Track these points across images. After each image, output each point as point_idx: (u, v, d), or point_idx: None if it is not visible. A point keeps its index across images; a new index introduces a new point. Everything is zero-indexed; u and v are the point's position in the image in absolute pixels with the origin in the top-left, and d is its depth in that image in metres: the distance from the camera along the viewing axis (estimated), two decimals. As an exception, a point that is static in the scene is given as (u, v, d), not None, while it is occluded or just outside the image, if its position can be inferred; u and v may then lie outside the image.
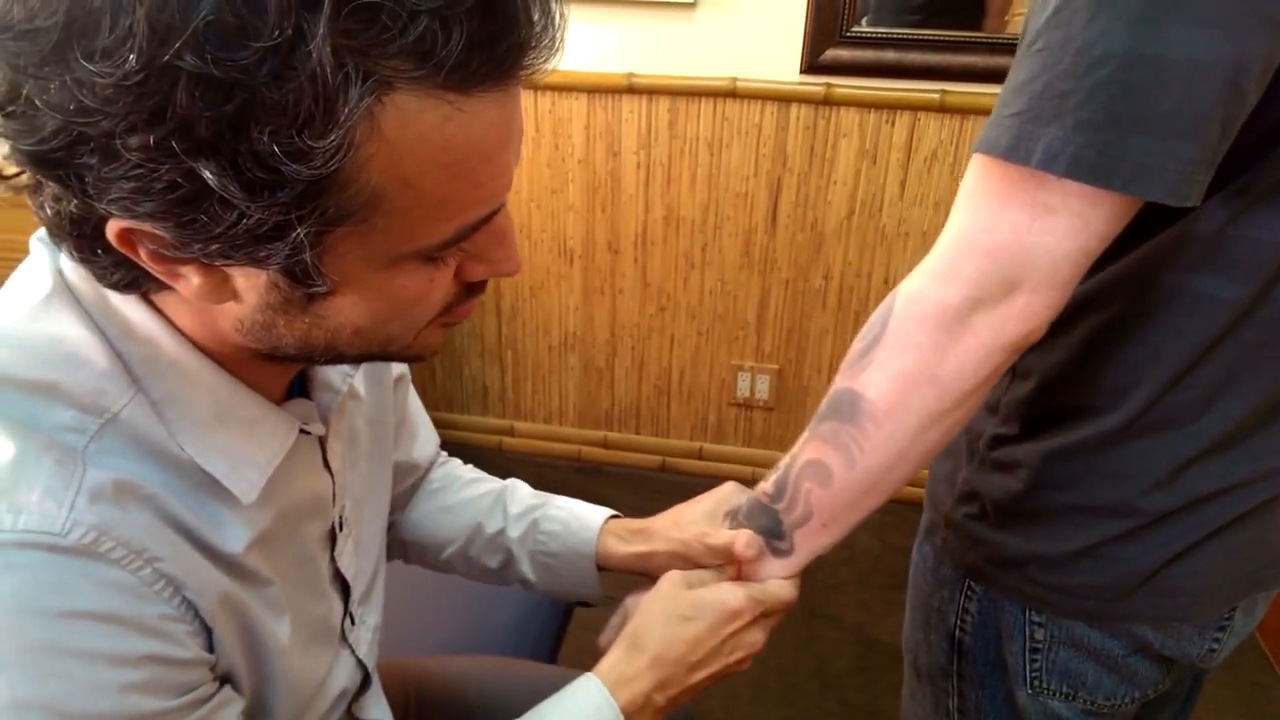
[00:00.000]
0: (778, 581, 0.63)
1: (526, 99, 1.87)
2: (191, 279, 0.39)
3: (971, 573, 0.69)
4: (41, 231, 0.45)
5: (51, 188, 0.37)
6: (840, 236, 1.89)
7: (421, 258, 0.41)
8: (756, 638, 0.61)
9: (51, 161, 0.34)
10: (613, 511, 0.76)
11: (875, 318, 0.55)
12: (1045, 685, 0.67)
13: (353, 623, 0.63)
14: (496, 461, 2.21)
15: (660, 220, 1.95)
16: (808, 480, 0.59)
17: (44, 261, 0.45)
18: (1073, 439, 0.60)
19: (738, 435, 2.15)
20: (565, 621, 1.11)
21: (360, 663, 0.65)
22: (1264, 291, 0.53)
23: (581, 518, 0.76)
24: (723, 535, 0.65)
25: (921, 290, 0.52)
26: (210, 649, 0.46)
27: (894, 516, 2.05)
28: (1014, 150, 0.48)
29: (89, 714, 0.39)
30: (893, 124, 1.77)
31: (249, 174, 0.32)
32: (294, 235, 0.35)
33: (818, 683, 1.62)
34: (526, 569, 0.76)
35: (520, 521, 0.77)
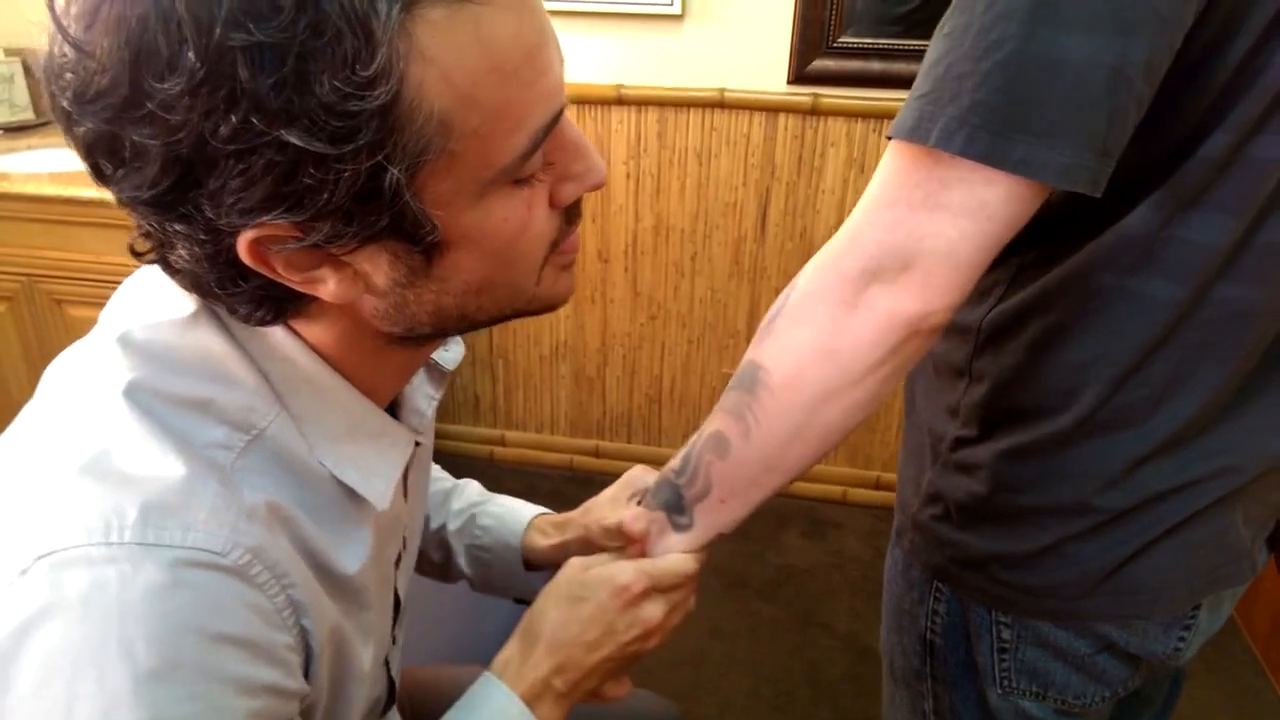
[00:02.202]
0: (673, 555, 0.61)
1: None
2: (328, 281, 0.41)
3: (939, 574, 0.70)
4: None
5: (180, 233, 0.39)
6: (829, 245, 1.90)
7: (509, 181, 0.42)
8: (653, 612, 0.59)
9: (169, 202, 0.37)
10: (543, 509, 0.78)
11: (784, 292, 0.56)
12: (1015, 685, 0.67)
13: (394, 643, 0.64)
14: (488, 471, 2.20)
15: (650, 229, 1.96)
16: (709, 453, 0.58)
17: None
18: (1027, 439, 0.61)
19: (729, 443, 2.15)
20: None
21: (391, 681, 0.65)
22: (1201, 292, 0.54)
23: (514, 512, 0.78)
24: (615, 516, 0.66)
25: (823, 264, 0.53)
26: (308, 676, 0.46)
27: (886, 524, 2.06)
28: (915, 130, 0.48)
29: None
30: (880, 133, 1.78)
31: (328, 125, 0.34)
32: (390, 179, 0.36)
33: (810, 690, 1.62)
34: (463, 563, 0.78)
35: (460, 517, 0.79)
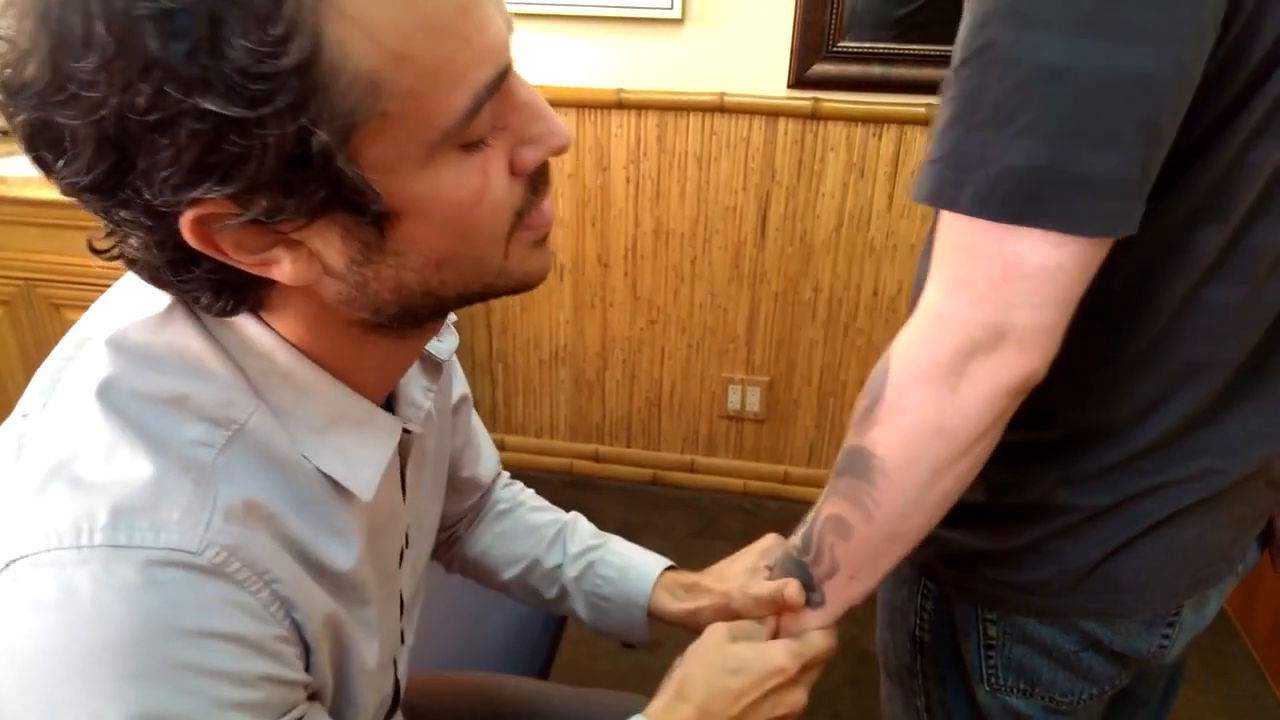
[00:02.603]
0: (817, 632, 0.63)
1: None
2: (282, 263, 0.40)
3: (926, 571, 0.70)
4: None
5: (126, 220, 0.39)
6: (829, 249, 1.90)
7: (458, 145, 0.40)
8: (799, 697, 0.62)
9: (107, 188, 0.37)
10: (668, 563, 0.78)
11: (875, 376, 0.55)
12: (1002, 682, 0.68)
13: (402, 641, 0.64)
14: (487, 476, 2.20)
15: (650, 234, 1.96)
16: (830, 534, 0.60)
17: None
18: (1011, 441, 0.61)
19: (729, 448, 2.15)
20: (557, 637, 1.11)
21: (396, 681, 0.65)
22: (1190, 296, 0.54)
23: (638, 567, 0.77)
24: (766, 585, 0.66)
25: (912, 349, 0.53)
26: (308, 668, 0.47)
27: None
28: (939, 196, 0.49)
29: None
30: (880, 137, 1.79)
31: (244, 89, 0.34)
32: (318, 143, 0.36)
33: (810, 695, 1.61)
34: (580, 607, 0.78)
35: (577, 562, 0.78)
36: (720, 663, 0.61)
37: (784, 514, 2.08)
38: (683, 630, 0.73)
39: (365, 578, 0.51)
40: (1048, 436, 0.60)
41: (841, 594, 0.62)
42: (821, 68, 1.74)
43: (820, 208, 1.87)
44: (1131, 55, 0.43)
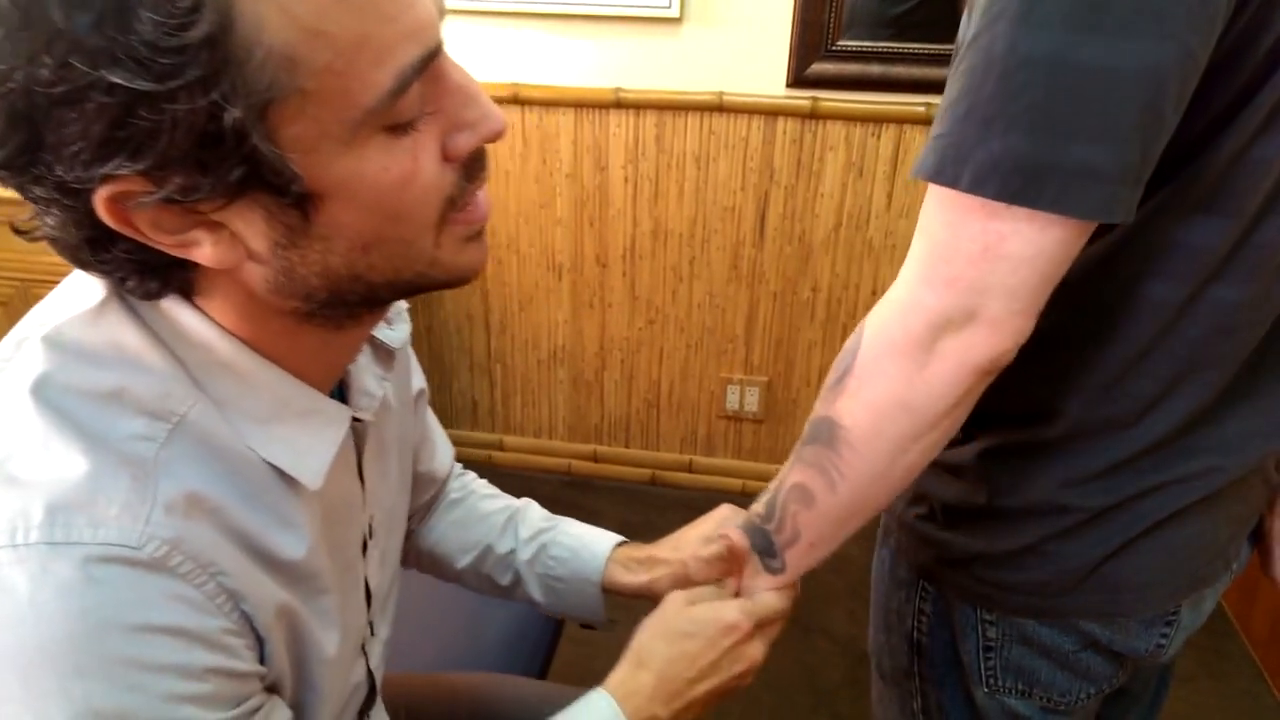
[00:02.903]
0: (770, 593, 0.65)
1: (513, 114, 1.88)
2: (203, 244, 0.40)
3: (924, 573, 0.70)
4: None
5: (41, 197, 0.38)
6: (828, 249, 1.90)
7: (386, 130, 0.40)
8: (756, 650, 0.63)
9: (20, 164, 0.36)
10: (620, 539, 0.78)
11: (847, 347, 0.56)
12: (1000, 683, 0.68)
13: (371, 633, 0.64)
14: (486, 475, 2.18)
15: (648, 234, 1.96)
16: (794, 503, 0.61)
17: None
18: (1011, 442, 0.62)
19: (727, 448, 2.15)
20: (556, 637, 1.11)
21: (370, 673, 0.65)
22: (1195, 295, 0.54)
23: (590, 545, 0.77)
24: (714, 546, 0.68)
25: (887, 322, 0.53)
26: (262, 660, 0.47)
27: (884, 528, 2.06)
28: (940, 173, 0.49)
29: None
30: (879, 137, 1.78)
31: (152, 63, 0.33)
32: (230, 121, 0.35)
33: (809, 696, 1.61)
34: (534, 590, 0.78)
35: (530, 545, 0.78)
36: (676, 627, 0.62)
37: (783, 514, 2.08)
38: (642, 607, 0.72)
39: (320, 567, 0.51)
40: (1050, 434, 0.60)
41: (801, 561, 0.63)
42: (820, 67, 1.74)
43: (819, 207, 1.87)
44: (1137, 42, 0.43)
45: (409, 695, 0.85)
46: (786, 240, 1.91)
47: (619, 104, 1.84)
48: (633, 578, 0.74)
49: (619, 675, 0.62)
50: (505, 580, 0.79)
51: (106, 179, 0.36)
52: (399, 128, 0.40)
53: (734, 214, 1.91)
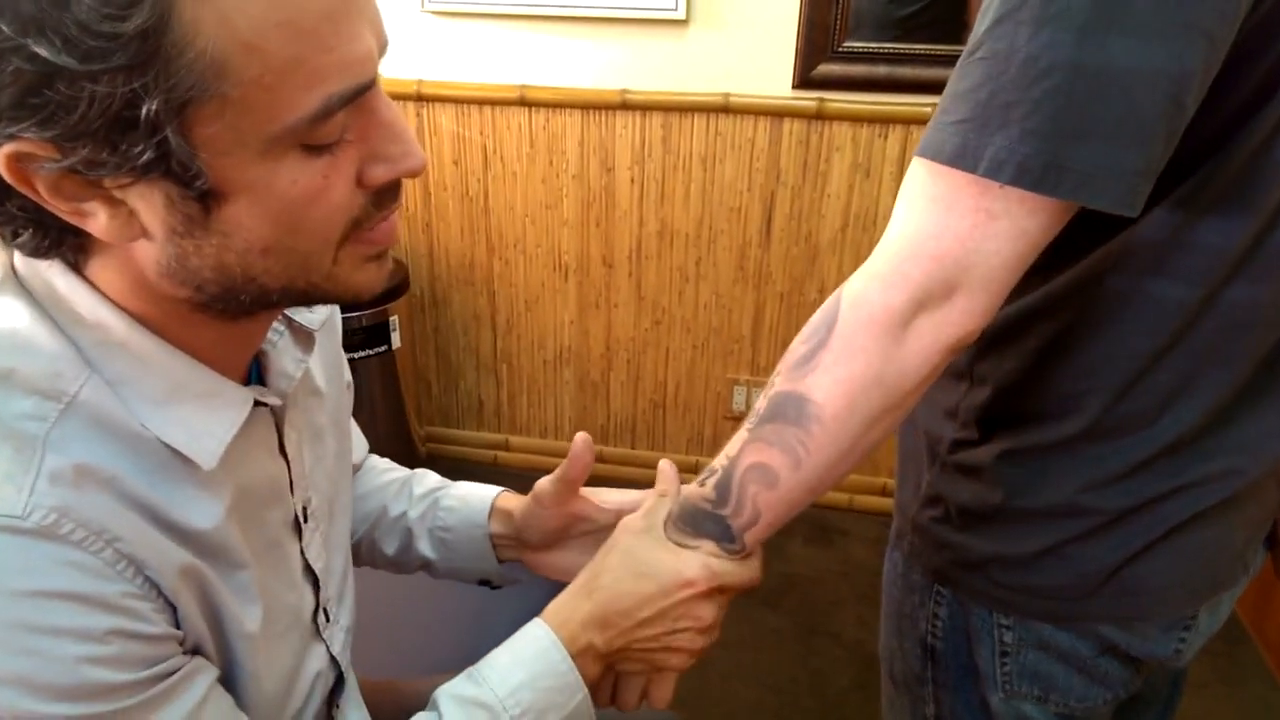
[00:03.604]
0: (735, 562, 0.63)
1: (520, 115, 1.88)
2: (98, 215, 0.40)
3: (939, 577, 0.69)
4: None
5: None
6: (835, 250, 1.89)
7: (303, 148, 0.41)
8: (707, 611, 0.61)
9: None
10: (504, 489, 0.80)
11: (819, 320, 0.55)
12: (1017, 688, 0.67)
13: (327, 619, 0.64)
14: (492, 476, 2.18)
15: (655, 235, 1.96)
16: (754, 484, 0.58)
17: None
18: (1030, 443, 0.61)
19: (734, 450, 2.14)
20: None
21: (334, 660, 0.65)
22: (1212, 295, 0.54)
23: (478, 492, 0.79)
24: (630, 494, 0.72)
25: (867, 293, 0.53)
26: (177, 625, 0.47)
27: (892, 530, 2.05)
28: (960, 157, 0.48)
29: (59, 686, 0.40)
30: (885, 138, 1.78)
31: (80, 43, 0.34)
32: (148, 111, 0.36)
33: (816, 700, 1.60)
34: (425, 547, 0.79)
35: (422, 502, 0.80)
36: (633, 566, 0.61)
37: (789, 516, 2.07)
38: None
39: (231, 541, 0.50)
40: (1071, 432, 0.59)
41: (760, 538, 0.62)
42: (826, 68, 1.74)
43: (825, 208, 1.86)
44: (1161, 41, 0.43)
45: (409, 700, 0.84)
46: (793, 241, 1.90)
47: (625, 105, 1.84)
48: (515, 501, 0.76)
49: (560, 600, 0.61)
50: (393, 548, 0.80)
51: (11, 138, 0.36)
52: (316, 148, 0.41)
53: (740, 215, 1.90)
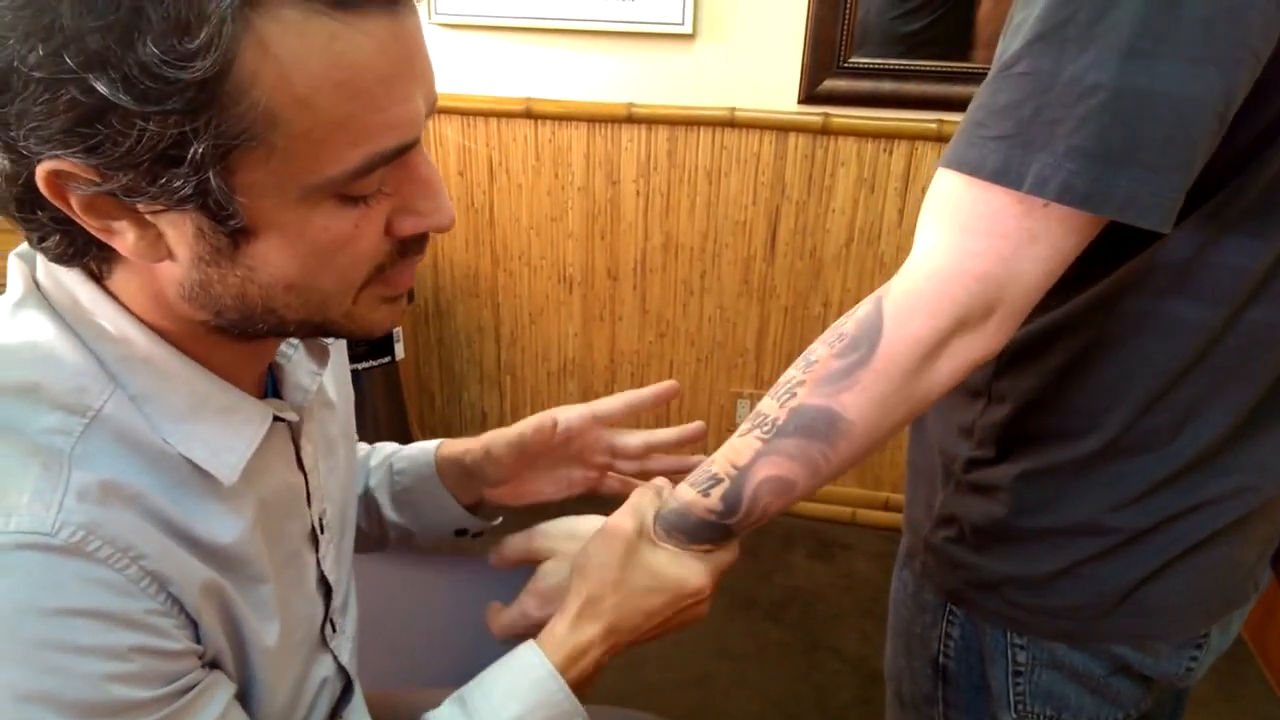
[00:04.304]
0: (724, 551, 0.64)
1: (526, 127, 1.89)
2: (126, 235, 0.41)
3: (952, 597, 0.69)
4: (21, 247, 0.47)
5: None
6: (839, 264, 1.90)
7: (339, 197, 0.42)
8: (705, 607, 0.63)
9: None
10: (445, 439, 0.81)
11: (857, 334, 0.54)
12: (1029, 708, 0.67)
13: (334, 629, 0.64)
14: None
15: (659, 248, 1.96)
16: (767, 495, 0.58)
17: (17, 272, 0.47)
18: (1048, 462, 0.61)
19: (737, 462, 2.14)
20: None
21: (342, 669, 0.66)
22: (1234, 316, 0.53)
23: (423, 447, 0.79)
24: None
25: (914, 314, 0.52)
26: (198, 640, 0.47)
27: (895, 546, 2.02)
28: (1003, 174, 0.48)
29: (85, 703, 0.40)
30: (890, 153, 1.79)
31: (140, 84, 0.34)
32: (194, 152, 0.36)
33: (819, 716, 1.59)
34: (392, 513, 0.79)
35: (379, 470, 0.81)
36: (636, 581, 0.60)
37: (791, 527, 2.07)
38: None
39: (252, 554, 0.51)
40: (1091, 449, 0.59)
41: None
42: (832, 83, 1.74)
43: (830, 223, 1.87)
44: (1203, 66, 0.44)
45: (414, 710, 0.84)
46: (798, 255, 1.91)
47: (631, 119, 1.84)
48: (457, 447, 0.77)
49: (559, 626, 0.60)
50: (366, 523, 0.80)
51: (56, 157, 0.37)
52: (352, 198, 0.42)
53: (745, 228, 1.91)
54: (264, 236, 0.41)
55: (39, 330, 0.45)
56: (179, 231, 0.41)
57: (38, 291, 0.46)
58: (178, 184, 0.38)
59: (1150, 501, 0.58)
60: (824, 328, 2.13)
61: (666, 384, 0.75)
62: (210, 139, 0.36)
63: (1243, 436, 0.57)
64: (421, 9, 1.84)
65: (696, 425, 0.76)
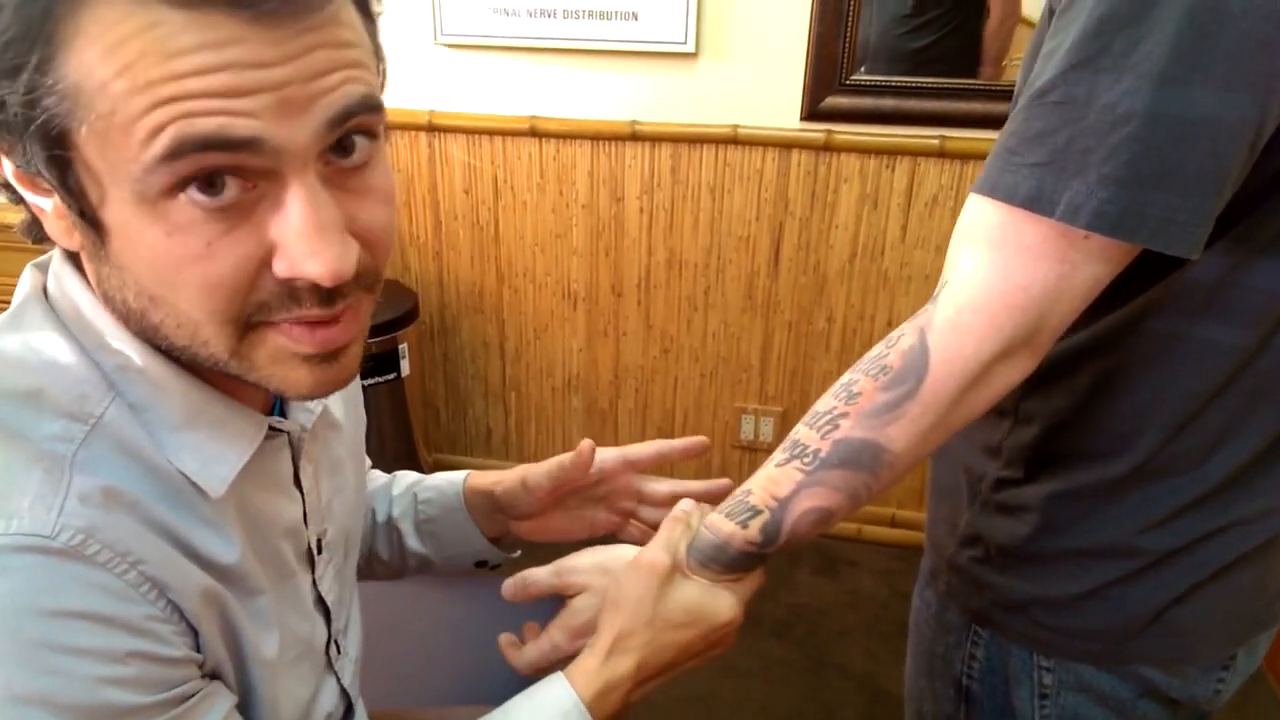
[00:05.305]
0: (754, 576, 0.65)
1: (530, 145, 1.90)
2: (48, 213, 0.43)
3: (977, 618, 0.68)
4: (39, 258, 0.49)
5: None
6: (843, 279, 1.90)
7: (191, 203, 0.38)
8: (733, 640, 0.64)
9: None
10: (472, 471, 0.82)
11: (903, 368, 0.53)
12: None
13: (338, 651, 0.64)
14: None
15: (663, 264, 1.97)
16: (806, 525, 0.58)
17: (29, 281, 0.48)
18: (1077, 483, 0.60)
19: (742, 478, 2.12)
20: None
21: (344, 691, 0.65)
22: (1265, 339, 0.53)
23: (451, 478, 0.81)
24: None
25: (962, 347, 0.52)
26: (198, 648, 0.47)
27: (901, 563, 2.03)
28: (1035, 200, 0.48)
29: (81, 706, 0.40)
30: (893, 169, 1.79)
31: None
32: (44, 117, 0.37)
33: (826, 734, 1.58)
34: (414, 542, 0.80)
35: (403, 499, 0.81)
36: (667, 616, 0.60)
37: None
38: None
39: (249, 567, 0.51)
40: (1121, 471, 0.59)
41: None
42: (834, 100, 1.75)
43: (834, 238, 1.87)
44: (1237, 94, 0.44)
45: None
46: (801, 271, 1.91)
47: (635, 136, 1.86)
48: (489, 479, 0.77)
49: (592, 662, 0.59)
50: (386, 551, 0.81)
51: None
52: (210, 210, 0.39)
53: (749, 244, 1.91)
54: (118, 233, 0.41)
55: (44, 337, 0.45)
56: (68, 218, 0.42)
57: (45, 300, 0.47)
58: (48, 163, 0.39)
59: (1179, 523, 0.58)
60: (828, 343, 2.13)
61: (697, 439, 0.76)
62: (24, 106, 0.37)
63: (1272, 458, 0.57)
64: (427, 31, 1.87)
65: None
